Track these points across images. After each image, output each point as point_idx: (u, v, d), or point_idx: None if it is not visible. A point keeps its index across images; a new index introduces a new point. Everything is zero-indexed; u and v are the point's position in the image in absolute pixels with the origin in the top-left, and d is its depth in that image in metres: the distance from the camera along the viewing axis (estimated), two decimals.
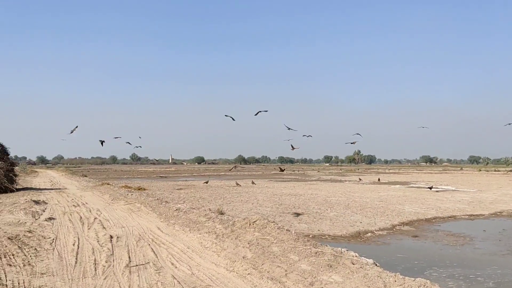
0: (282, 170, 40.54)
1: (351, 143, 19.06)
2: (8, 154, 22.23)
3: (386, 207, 16.05)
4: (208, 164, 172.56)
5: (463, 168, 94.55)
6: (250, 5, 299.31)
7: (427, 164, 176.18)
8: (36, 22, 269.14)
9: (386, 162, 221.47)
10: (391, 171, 77.97)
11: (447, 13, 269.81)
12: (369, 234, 11.08)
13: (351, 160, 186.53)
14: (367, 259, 6.09)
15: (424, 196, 21.04)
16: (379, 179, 39.85)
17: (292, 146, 17.98)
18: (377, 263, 6.08)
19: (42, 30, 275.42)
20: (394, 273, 5.41)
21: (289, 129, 17.89)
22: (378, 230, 11.53)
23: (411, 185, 32.43)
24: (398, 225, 12.43)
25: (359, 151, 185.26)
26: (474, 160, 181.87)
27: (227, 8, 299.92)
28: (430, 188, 26.09)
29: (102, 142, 19.28)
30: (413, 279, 5.19)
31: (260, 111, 18.47)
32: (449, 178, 44.20)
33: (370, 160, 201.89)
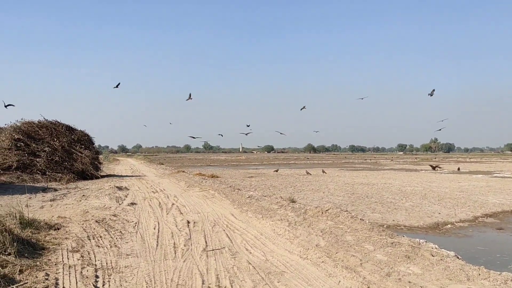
0: (433, 168, 38.64)
1: (361, 99, 22.33)
2: (93, 144, 23.96)
3: (468, 198, 15.13)
4: (278, 153, 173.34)
5: None
6: None
7: None
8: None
9: (466, 150, 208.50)
10: (472, 160, 73.39)
11: None
12: (449, 225, 10.53)
13: (427, 148, 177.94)
14: (448, 251, 5.80)
15: (509, 187, 19.54)
16: (459, 168, 37.62)
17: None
18: (458, 256, 5.77)
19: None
20: (478, 266, 5.12)
21: (280, 133, 20.63)
22: (458, 222, 10.93)
23: (495, 174, 30.28)
24: (481, 217, 11.69)
25: (436, 139, 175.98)
26: None
27: None
28: None
29: (8, 105, 19.99)
30: (498, 273, 4.88)
31: (362, 98, 20.88)
32: None
33: (449, 148, 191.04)
